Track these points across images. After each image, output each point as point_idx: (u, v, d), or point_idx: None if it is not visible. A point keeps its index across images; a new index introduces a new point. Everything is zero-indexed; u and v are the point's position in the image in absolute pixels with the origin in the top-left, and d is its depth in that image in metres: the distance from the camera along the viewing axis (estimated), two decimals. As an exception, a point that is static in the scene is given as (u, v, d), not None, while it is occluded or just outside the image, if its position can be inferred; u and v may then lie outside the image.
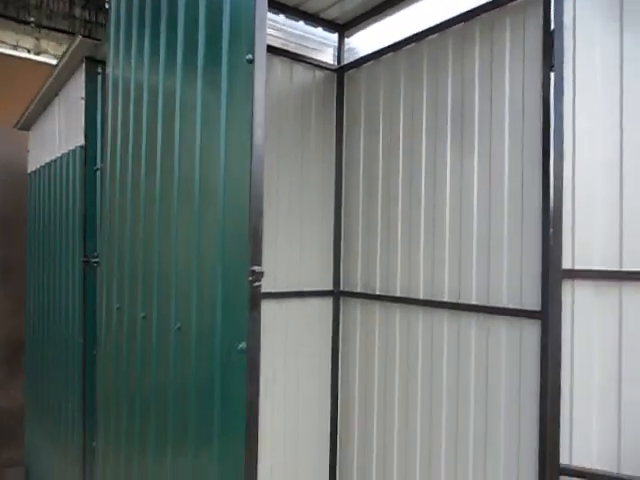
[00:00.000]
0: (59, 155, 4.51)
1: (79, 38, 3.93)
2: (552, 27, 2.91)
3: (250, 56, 1.82)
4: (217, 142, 1.99)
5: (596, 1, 2.85)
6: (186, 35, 2.27)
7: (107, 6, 3.39)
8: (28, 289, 5.55)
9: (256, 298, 1.78)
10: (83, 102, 4.10)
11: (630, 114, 2.75)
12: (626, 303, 2.75)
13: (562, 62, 2.86)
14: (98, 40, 4.03)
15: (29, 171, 5.48)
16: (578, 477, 2.75)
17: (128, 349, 2.81)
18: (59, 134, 4.67)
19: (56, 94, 4.68)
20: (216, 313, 1.96)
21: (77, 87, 4.22)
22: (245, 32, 1.84)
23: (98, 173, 4.15)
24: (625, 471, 2.66)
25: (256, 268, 1.78)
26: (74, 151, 4.22)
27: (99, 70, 4.16)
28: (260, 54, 1.81)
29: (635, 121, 2.75)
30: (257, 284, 1.78)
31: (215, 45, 2.03)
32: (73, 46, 3.97)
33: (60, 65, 4.26)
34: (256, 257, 1.78)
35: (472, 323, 3.39)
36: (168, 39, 2.48)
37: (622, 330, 2.75)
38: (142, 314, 2.63)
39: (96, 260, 4.11)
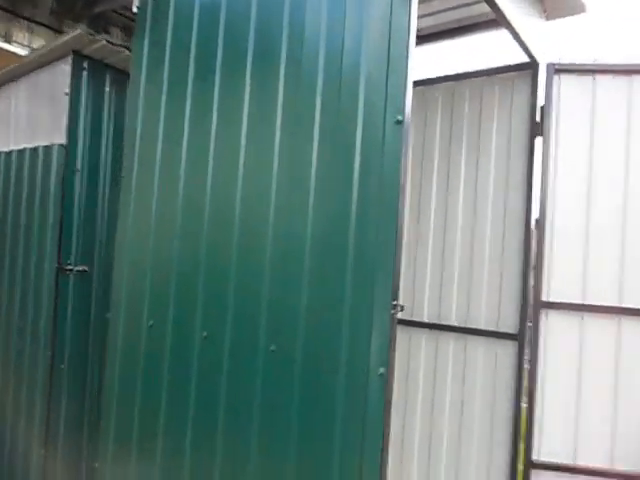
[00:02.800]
0: (21, 148, 4.11)
1: (78, 31, 3.70)
2: (543, 103, 3.57)
3: (400, 117, 2.07)
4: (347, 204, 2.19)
5: (576, 84, 3.56)
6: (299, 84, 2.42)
7: (134, 10, 3.27)
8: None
9: (395, 328, 2.04)
10: (67, 98, 3.84)
11: (598, 183, 3.50)
12: (587, 330, 3.47)
13: (549, 132, 3.54)
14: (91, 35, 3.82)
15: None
16: (547, 470, 3.40)
17: (173, 374, 2.71)
18: (16, 124, 4.24)
19: (17, 78, 4.24)
20: (341, 337, 2.14)
21: (56, 80, 3.93)
22: (394, 93, 2.08)
23: (77, 175, 3.91)
24: (580, 460, 3.37)
25: (398, 302, 2.03)
26: (48, 148, 3.91)
27: (85, 66, 3.93)
28: (407, 116, 2.07)
29: (601, 187, 3.50)
30: (396, 316, 2.04)
31: (350, 100, 2.22)
32: (67, 37, 3.71)
33: (39, 52, 3.92)
34: (396, 292, 2.04)
35: (451, 342, 3.91)
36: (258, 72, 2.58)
37: (582, 352, 3.47)
38: (203, 333, 2.62)
39: (70, 268, 3.86)
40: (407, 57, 2.09)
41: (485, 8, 3.65)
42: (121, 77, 4.12)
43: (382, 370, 2.03)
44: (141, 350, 2.92)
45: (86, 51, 3.88)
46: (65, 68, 3.86)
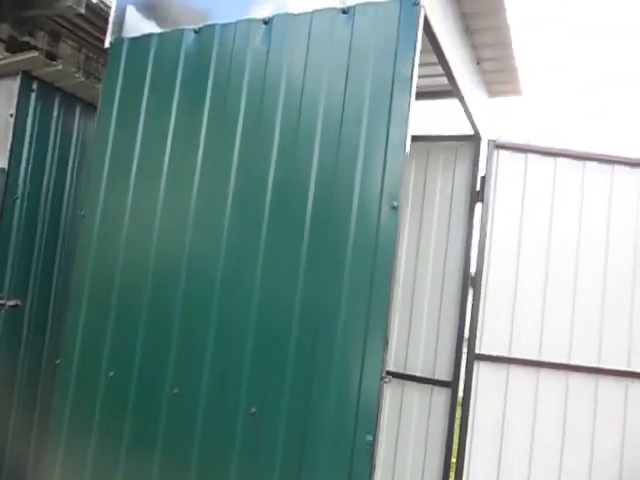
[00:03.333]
0: (-52, 167, 3.74)
1: (32, 54, 3.49)
2: (483, 173, 3.96)
3: (395, 203, 2.23)
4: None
5: (511, 160, 4.00)
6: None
7: (107, 45, 3.16)
8: None
9: (382, 397, 2.17)
10: (12, 120, 3.60)
11: (526, 247, 3.94)
12: (512, 380, 3.86)
13: (489, 199, 3.93)
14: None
15: None
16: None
17: (135, 436, 2.58)
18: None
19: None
20: (329, 404, 2.22)
21: (0, 99, 3.66)
22: (391, 181, 2.25)
23: (17, 203, 3.66)
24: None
25: (386, 376, 2.18)
26: (-16, 171, 3.61)
27: (34, 87, 3.71)
28: (402, 203, 2.24)
29: (528, 251, 3.94)
30: (384, 386, 2.18)
31: (347, 183, 2.34)
32: (19, 58, 3.49)
33: (-18, 69, 3.63)
34: (385, 365, 2.19)
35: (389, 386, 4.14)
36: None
37: (507, 400, 3.85)
38: (174, 390, 2.55)
39: (2, 303, 3.58)
40: (405, 145, 2.28)
41: (439, 81, 4.03)
42: (70, 101, 3.95)
43: (369, 438, 2.15)
44: (97, 405, 2.75)
45: (37, 73, 3.67)
46: (12, 88, 3.61)
